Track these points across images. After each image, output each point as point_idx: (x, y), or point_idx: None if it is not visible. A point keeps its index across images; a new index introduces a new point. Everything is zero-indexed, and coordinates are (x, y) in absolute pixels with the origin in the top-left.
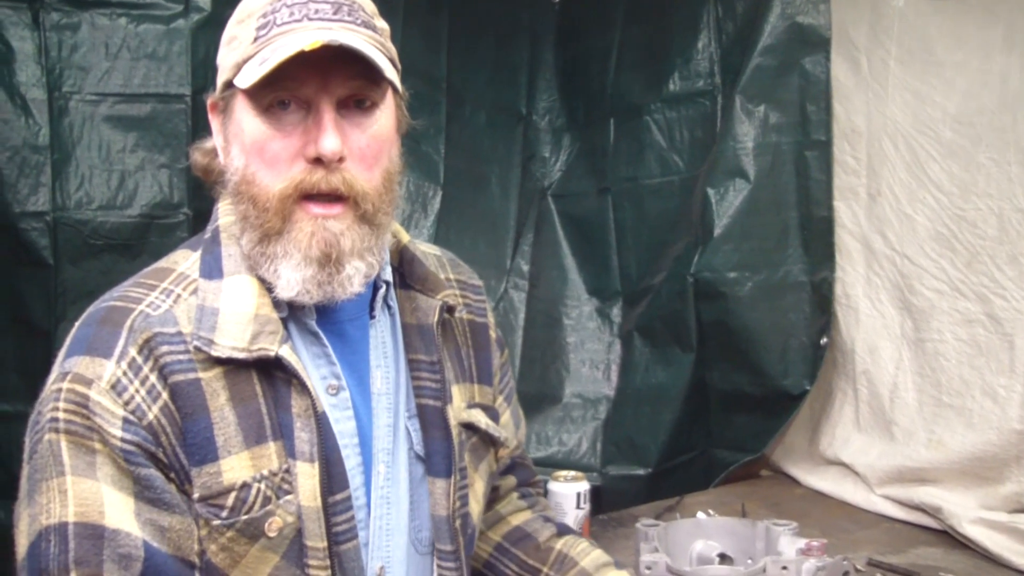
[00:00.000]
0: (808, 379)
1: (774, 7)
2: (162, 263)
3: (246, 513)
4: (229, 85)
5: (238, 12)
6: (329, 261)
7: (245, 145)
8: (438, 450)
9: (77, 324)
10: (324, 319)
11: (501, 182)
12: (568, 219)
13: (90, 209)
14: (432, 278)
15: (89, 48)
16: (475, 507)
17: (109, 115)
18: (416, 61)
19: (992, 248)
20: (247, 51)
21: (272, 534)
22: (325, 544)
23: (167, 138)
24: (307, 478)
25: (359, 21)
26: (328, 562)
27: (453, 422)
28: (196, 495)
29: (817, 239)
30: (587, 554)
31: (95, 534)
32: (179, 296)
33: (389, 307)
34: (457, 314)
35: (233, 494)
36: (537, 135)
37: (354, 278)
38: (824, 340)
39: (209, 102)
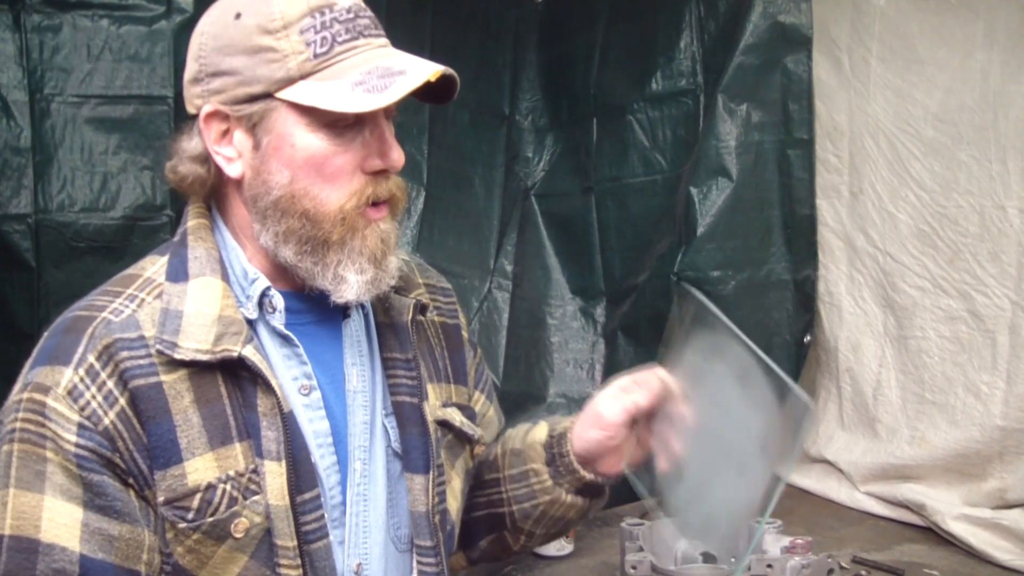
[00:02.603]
0: (792, 377)
1: (756, 6)
2: (130, 270)
3: (211, 515)
4: (264, 97)
5: (257, 20)
6: (383, 259)
7: (295, 160)
8: (415, 446)
9: (44, 335)
10: (298, 320)
11: (484, 182)
12: (551, 219)
13: (72, 211)
14: (404, 278)
15: (71, 50)
16: (453, 504)
17: (91, 117)
18: None
19: (974, 245)
20: (305, 67)
21: (239, 535)
22: (295, 543)
23: (150, 140)
24: (274, 477)
25: (383, 30)
26: (299, 561)
27: (430, 418)
28: (161, 498)
29: (800, 237)
30: (514, 436)
31: (29, 548)
32: (143, 301)
33: (363, 306)
34: (428, 316)
35: (198, 496)
36: (520, 135)
37: (393, 271)
38: (807, 338)
39: (210, 111)
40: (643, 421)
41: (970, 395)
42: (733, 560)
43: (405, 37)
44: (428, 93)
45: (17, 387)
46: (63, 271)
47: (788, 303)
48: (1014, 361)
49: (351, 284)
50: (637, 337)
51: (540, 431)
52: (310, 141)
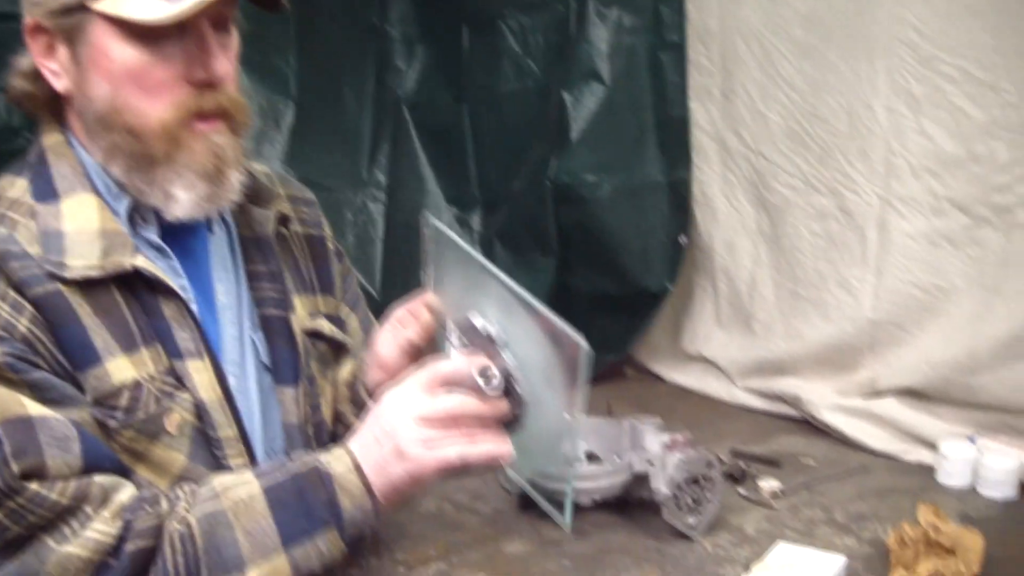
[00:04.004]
0: (669, 278)
1: None
2: None
3: (143, 411)
4: (79, 8)
5: None
6: (218, 174)
7: (113, 73)
8: (284, 359)
9: None
10: (165, 234)
11: (355, 94)
12: (424, 129)
13: None
14: (264, 191)
15: None
16: (328, 414)
17: None
18: None
19: (843, 144)
20: None
21: (172, 430)
22: (236, 431)
23: (2, 61)
24: (200, 373)
25: None
26: (242, 447)
27: (297, 330)
28: (89, 398)
29: (673, 140)
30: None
31: (25, 425)
32: (15, 221)
33: (225, 221)
34: (292, 228)
35: (126, 393)
36: (390, 44)
37: (235, 187)
38: (683, 239)
39: (32, 24)
40: (428, 349)
41: (842, 290)
42: (617, 458)
43: None
44: None
45: None
46: None
47: (663, 205)
48: (883, 256)
49: (180, 201)
50: (514, 244)
51: (346, 370)
52: (126, 53)
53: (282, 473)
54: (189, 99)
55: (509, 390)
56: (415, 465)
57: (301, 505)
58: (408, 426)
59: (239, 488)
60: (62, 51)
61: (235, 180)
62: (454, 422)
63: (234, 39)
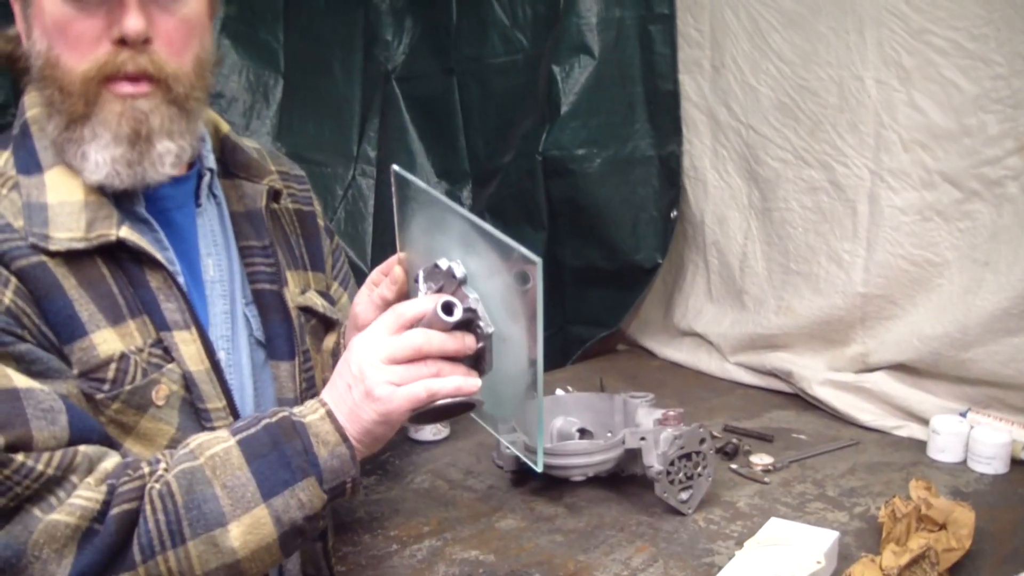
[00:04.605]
0: (660, 252)
1: None
2: None
3: (130, 383)
4: None
5: None
6: (139, 139)
7: (46, 27)
8: (279, 333)
9: None
10: (150, 208)
11: (344, 67)
12: (414, 102)
13: None
14: (256, 165)
15: None
16: (322, 389)
17: None
18: None
19: (833, 116)
20: None
21: (160, 402)
22: (224, 403)
23: None
24: (188, 344)
25: None
26: (231, 420)
27: (291, 304)
28: (75, 371)
29: (663, 113)
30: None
31: (11, 396)
32: None
33: (215, 196)
34: (283, 203)
35: (113, 365)
36: (378, 17)
37: (165, 158)
38: (674, 213)
39: None
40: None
41: (833, 264)
42: (610, 434)
43: None
44: None
45: None
46: None
47: (653, 179)
48: (873, 229)
49: (94, 163)
50: (504, 217)
51: (331, 340)
52: (55, 5)
53: (256, 426)
54: (107, 56)
55: (473, 326)
56: (384, 405)
57: (277, 455)
58: (375, 367)
59: (215, 445)
60: (17, 8)
61: (164, 150)
62: (421, 359)
63: (187, 4)
